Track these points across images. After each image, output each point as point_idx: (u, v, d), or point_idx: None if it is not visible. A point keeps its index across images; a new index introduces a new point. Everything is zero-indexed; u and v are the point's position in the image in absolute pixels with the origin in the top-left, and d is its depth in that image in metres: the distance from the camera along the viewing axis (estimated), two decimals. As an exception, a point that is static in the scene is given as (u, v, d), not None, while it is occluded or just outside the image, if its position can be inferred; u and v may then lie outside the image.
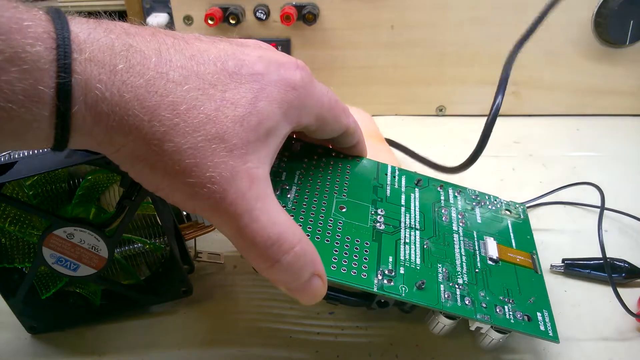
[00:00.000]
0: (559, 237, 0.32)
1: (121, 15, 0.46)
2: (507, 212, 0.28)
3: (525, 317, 0.23)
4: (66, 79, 0.15)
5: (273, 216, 0.19)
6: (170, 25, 0.43)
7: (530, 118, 0.44)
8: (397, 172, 0.28)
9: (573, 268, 0.29)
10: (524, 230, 0.27)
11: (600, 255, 0.27)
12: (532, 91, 0.43)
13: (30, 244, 0.25)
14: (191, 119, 0.17)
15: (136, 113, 0.17)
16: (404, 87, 0.44)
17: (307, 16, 0.40)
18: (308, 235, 0.22)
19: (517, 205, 0.29)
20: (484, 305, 0.22)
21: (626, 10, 0.38)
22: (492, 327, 0.22)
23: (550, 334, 0.22)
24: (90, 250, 0.23)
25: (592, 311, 0.27)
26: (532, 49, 0.41)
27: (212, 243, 0.31)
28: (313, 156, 0.26)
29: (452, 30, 0.41)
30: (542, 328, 0.22)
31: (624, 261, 0.28)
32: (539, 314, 0.23)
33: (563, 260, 0.29)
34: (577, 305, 0.27)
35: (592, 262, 0.29)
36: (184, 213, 0.28)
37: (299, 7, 0.40)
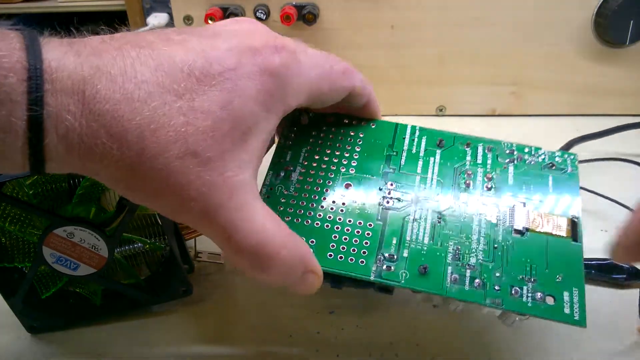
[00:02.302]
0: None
1: (121, 15, 0.46)
2: (551, 166, 0.24)
3: (548, 298, 0.20)
4: (38, 112, 0.15)
5: (255, 225, 0.19)
6: (170, 25, 0.43)
7: (530, 118, 0.44)
8: (417, 133, 0.25)
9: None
10: (569, 188, 0.23)
11: (601, 256, 0.27)
12: (532, 91, 0.43)
13: (30, 243, 0.25)
14: (160, 139, 0.17)
15: (104, 142, 0.16)
16: (404, 87, 0.44)
17: (307, 16, 0.40)
18: (307, 223, 0.22)
19: (566, 156, 0.25)
20: (497, 287, 0.20)
21: (626, 10, 0.38)
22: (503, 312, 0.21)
23: (577, 318, 0.20)
24: (91, 250, 0.23)
25: (593, 312, 0.27)
26: (532, 49, 0.41)
27: (212, 243, 0.31)
28: (322, 127, 0.25)
29: (452, 30, 0.41)
30: (566, 311, 0.20)
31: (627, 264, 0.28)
32: (566, 293, 0.20)
33: None
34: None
35: (593, 262, 0.29)
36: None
37: (299, 7, 0.40)
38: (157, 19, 0.44)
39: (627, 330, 0.25)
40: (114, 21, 0.19)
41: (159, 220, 0.25)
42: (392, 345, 0.25)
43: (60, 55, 0.16)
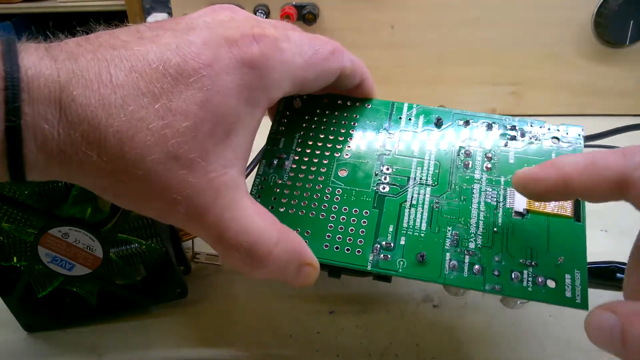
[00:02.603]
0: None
1: (121, 15, 0.46)
2: (555, 142, 0.23)
3: (549, 282, 0.20)
4: (15, 122, 0.15)
5: (245, 223, 0.18)
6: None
7: (530, 118, 0.44)
8: (414, 112, 0.24)
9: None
10: None
11: (602, 259, 0.27)
12: (532, 91, 0.43)
13: (27, 242, 0.24)
14: (140, 144, 0.16)
15: (84, 150, 0.16)
16: (404, 87, 0.44)
17: (307, 16, 0.40)
18: (302, 213, 0.22)
19: (570, 129, 0.23)
20: (497, 272, 0.20)
21: (626, 10, 0.38)
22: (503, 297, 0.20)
23: (578, 301, 0.19)
24: (85, 250, 0.23)
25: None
26: (532, 49, 0.41)
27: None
28: (316, 110, 0.24)
29: (452, 30, 0.41)
30: (568, 294, 0.19)
31: (624, 263, 0.28)
32: (567, 276, 0.20)
33: None
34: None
35: (592, 266, 0.28)
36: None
37: (299, 7, 0.40)
38: (156, 18, 0.44)
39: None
40: (114, 21, 0.19)
41: (155, 223, 0.25)
42: (392, 345, 0.25)
43: (37, 61, 0.16)
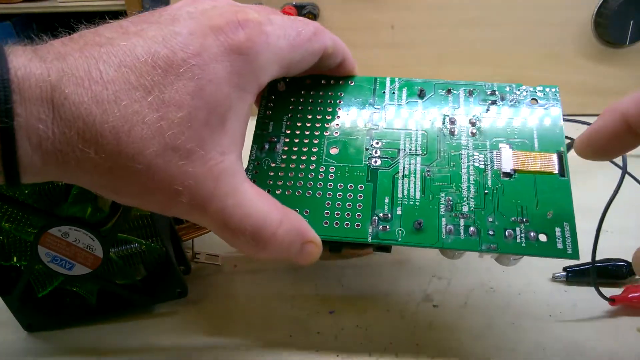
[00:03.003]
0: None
1: (121, 15, 0.46)
2: (534, 102, 0.24)
3: (541, 236, 0.21)
4: (8, 124, 0.15)
5: (247, 207, 0.19)
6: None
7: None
8: (397, 85, 0.25)
9: (575, 276, 0.28)
10: (551, 122, 0.23)
11: (606, 257, 0.27)
12: (532, 91, 0.43)
13: (27, 241, 0.24)
14: (136, 138, 0.16)
15: (80, 147, 0.16)
16: (403, 87, 0.44)
17: (307, 16, 0.40)
18: (299, 193, 0.22)
19: (547, 90, 0.25)
20: (492, 232, 0.21)
21: (626, 10, 0.38)
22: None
23: (569, 252, 0.20)
24: (85, 250, 0.23)
25: (593, 312, 0.27)
26: (532, 49, 0.41)
27: (210, 244, 0.30)
28: (300, 91, 0.25)
29: (452, 30, 0.41)
30: (559, 246, 0.20)
31: (624, 261, 0.28)
32: (557, 229, 0.21)
33: (564, 269, 0.28)
34: (583, 312, 0.27)
35: (589, 267, 0.28)
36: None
37: (299, 7, 0.40)
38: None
39: (627, 330, 0.25)
40: (94, 19, 0.19)
41: (155, 222, 0.25)
42: (392, 345, 0.25)
43: (26, 62, 0.16)
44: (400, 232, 0.21)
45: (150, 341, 0.26)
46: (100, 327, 0.26)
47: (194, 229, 0.28)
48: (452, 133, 0.23)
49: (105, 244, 0.23)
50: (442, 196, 0.22)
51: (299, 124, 0.24)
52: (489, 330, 0.25)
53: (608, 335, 0.25)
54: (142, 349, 0.25)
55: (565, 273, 0.28)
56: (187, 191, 0.18)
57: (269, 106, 0.25)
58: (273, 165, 0.23)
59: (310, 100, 0.25)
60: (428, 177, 0.22)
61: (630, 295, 0.26)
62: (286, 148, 0.23)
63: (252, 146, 0.24)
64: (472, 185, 0.22)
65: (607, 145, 0.19)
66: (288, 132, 0.24)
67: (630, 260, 0.28)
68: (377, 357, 0.25)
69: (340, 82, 0.25)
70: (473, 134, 0.23)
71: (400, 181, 0.22)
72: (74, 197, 0.24)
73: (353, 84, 0.25)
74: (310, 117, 0.24)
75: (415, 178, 0.22)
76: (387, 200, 0.22)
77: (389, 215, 0.22)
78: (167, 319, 0.27)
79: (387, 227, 0.21)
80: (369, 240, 0.21)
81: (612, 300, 0.26)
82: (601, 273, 0.28)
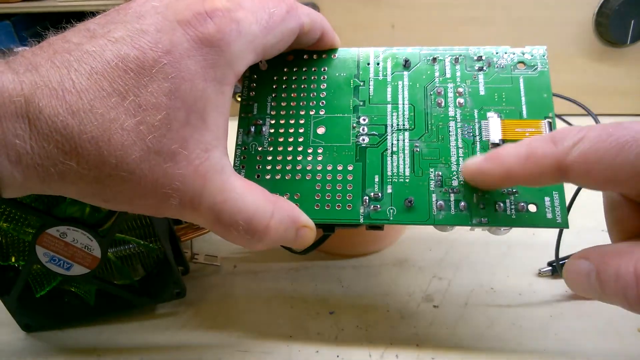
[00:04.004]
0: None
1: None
2: (522, 66, 0.23)
3: (530, 206, 0.20)
4: None
5: (238, 202, 0.19)
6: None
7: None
8: (381, 57, 0.24)
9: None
10: (540, 86, 0.23)
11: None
12: (532, 91, 0.43)
13: (25, 241, 0.24)
14: (118, 146, 0.16)
15: (62, 161, 0.16)
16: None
17: (307, 15, 0.40)
18: (288, 177, 0.22)
19: (535, 51, 0.24)
20: (482, 205, 0.21)
21: (627, 9, 0.38)
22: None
23: (559, 221, 0.20)
24: (83, 250, 0.23)
25: (593, 312, 0.27)
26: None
27: (209, 244, 0.30)
28: (283, 69, 0.24)
29: (452, 29, 0.41)
30: (549, 216, 0.20)
31: None
32: (547, 198, 0.21)
33: (549, 264, 0.28)
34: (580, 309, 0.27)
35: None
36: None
37: (299, 6, 0.40)
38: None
39: (627, 330, 0.25)
40: (61, 24, 0.19)
41: (153, 223, 0.25)
42: (392, 345, 0.25)
43: None
44: (391, 210, 0.21)
45: (149, 341, 0.26)
46: (99, 328, 0.26)
47: (193, 229, 0.28)
48: (438, 104, 0.23)
49: (104, 244, 0.23)
50: (432, 171, 0.22)
51: (283, 104, 0.23)
52: (490, 331, 0.25)
53: (608, 335, 0.25)
54: (140, 349, 0.25)
55: (550, 267, 0.28)
56: (176, 193, 0.17)
57: (251, 87, 0.24)
58: (260, 149, 0.23)
59: (294, 78, 0.24)
60: (417, 153, 0.22)
61: None
62: (272, 130, 0.23)
63: (238, 130, 0.23)
64: (461, 158, 0.22)
65: (490, 185, 0.21)
66: (273, 113, 0.23)
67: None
68: (378, 358, 0.24)
69: (323, 56, 0.24)
70: (460, 104, 0.23)
71: (389, 158, 0.22)
72: (72, 196, 0.23)
73: (336, 57, 0.24)
74: (294, 95, 0.24)
75: (404, 154, 0.22)
76: (376, 179, 0.22)
77: (380, 194, 0.21)
78: (166, 320, 0.27)
79: (378, 206, 0.21)
80: (361, 221, 0.21)
81: None
82: None
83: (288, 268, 0.29)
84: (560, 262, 0.28)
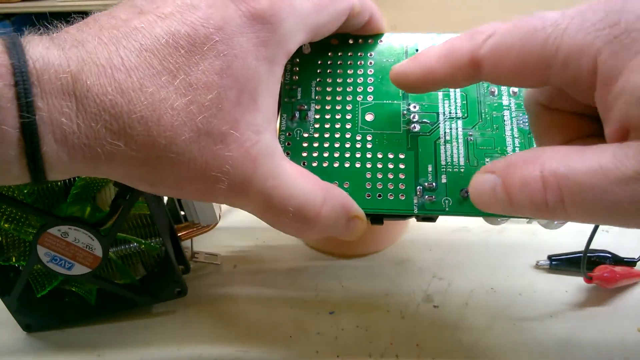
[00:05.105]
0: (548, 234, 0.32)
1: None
2: None
3: None
4: (30, 119, 0.14)
5: (289, 188, 0.18)
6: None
7: None
8: (430, 43, 0.23)
9: (558, 265, 0.28)
10: None
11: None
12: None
13: (26, 241, 0.24)
14: (167, 127, 0.16)
15: (109, 141, 0.15)
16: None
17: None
18: (336, 165, 0.21)
19: None
20: None
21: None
22: None
23: None
24: (85, 249, 0.23)
25: (593, 312, 0.27)
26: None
27: (209, 244, 0.30)
28: (327, 53, 0.23)
29: (453, 30, 0.41)
30: None
31: (607, 252, 0.28)
32: None
33: (549, 257, 0.29)
34: (579, 304, 0.27)
35: (574, 256, 0.28)
36: (182, 213, 0.28)
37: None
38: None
39: (627, 330, 0.25)
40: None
41: (153, 221, 0.25)
42: (392, 346, 0.25)
43: (44, 52, 0.15)
44: (447, 201, 0.20)
45: (150, 340, 0.26)
46: (100, 327, 0.26)
47: (193, 228, 0.28)
48: (492, 93, 0.22)
49: (105, 244, 0.23)
50: (487, 161, 0.21)
51: (329, 89, 0.22)
52: (490, 331, 0.25)
53: (609, 335, 0.25)
54: (141, 348, 0.25)
55: (549, 261, 0.29)
56: (225, 177, 0.17)
57: (294, 71, 0.23)
58: (306, 135, 0.22)
59: (339, 63, 0.23)
60: (471, 142, 0.21)
61: (604, 274, 0.27)
62: (318, 116, 0.22)
63: (282, 115, 0.22)
64: (517, 149, 0.21)
65: (413, 86, 0.19)
66: (318, 98, 0.22)
67: (615, 253, 0.28)
68: (378, 358, 0.24)
69: (369, 40, 0.23)
70: (514, 93, 0.22)
71: (442, 147, 0.21)
72: (73, 196, 0.23)
73: (382, 42, 0.23)
74: (340, 80, 0.23)
75: (457, 143, 0.21)
76: (430, 169, 0.21)
77: (434, 184, 0.21)
78: (166, 319, 0.27)
79: (433, 197, 0.20)
80: (415, 212, 0.20)
81: (589, 278, 0.26)
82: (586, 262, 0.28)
83: (288, 268, 0.29)
84: (554, 257, 0.28)
